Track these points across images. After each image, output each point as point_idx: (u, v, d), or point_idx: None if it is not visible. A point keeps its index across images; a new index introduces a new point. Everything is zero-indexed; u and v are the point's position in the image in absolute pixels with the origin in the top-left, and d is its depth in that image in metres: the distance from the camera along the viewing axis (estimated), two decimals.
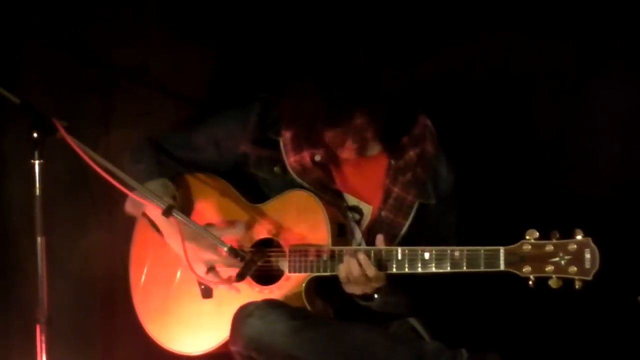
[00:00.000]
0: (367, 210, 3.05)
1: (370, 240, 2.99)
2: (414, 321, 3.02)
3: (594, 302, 3.34)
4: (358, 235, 3.02)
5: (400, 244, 2.94)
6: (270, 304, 2.85)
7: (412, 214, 3.02)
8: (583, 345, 3.40)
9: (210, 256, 2.95)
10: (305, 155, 3.02)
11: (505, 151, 3.50)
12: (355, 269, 2.82)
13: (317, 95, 2.88)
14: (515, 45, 3.47)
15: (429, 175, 3.03)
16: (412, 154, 3.03)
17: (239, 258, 2.75)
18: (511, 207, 3.45)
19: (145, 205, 2.98)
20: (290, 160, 3.03)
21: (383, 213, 3.02)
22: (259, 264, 2.82)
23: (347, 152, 3.01)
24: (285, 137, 3.04)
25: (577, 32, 3.42)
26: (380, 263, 2.85)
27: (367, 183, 3.06)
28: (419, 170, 3.02)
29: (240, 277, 2.77)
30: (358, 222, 3.04)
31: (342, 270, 2.85)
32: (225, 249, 2.74)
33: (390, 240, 2.95)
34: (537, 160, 3.51)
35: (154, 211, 2.98)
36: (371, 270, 2.81)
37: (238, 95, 3.36)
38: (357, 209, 3.05)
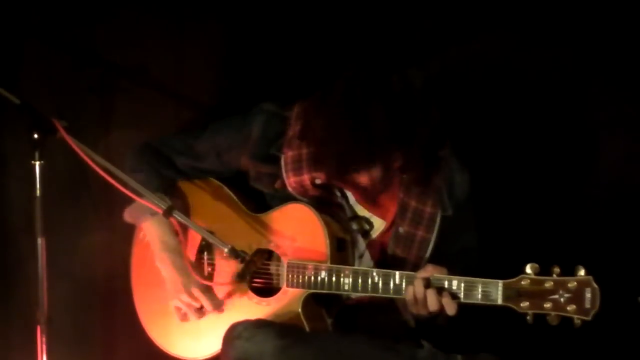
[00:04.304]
0: (379, 223, 3.02)
1: (393, 259, 2.96)
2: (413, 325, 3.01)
3: None
4: (362, 246, 3.00)
5: (430, 260, 2.91)
6: (257, 324, 2.83)
7: (436, 227, 2.96)
8: (583, 345, 3.40)
9: (189, 296, 2.97)
10: (306, 178, 2.95)
11: (509, 168, 3.49)
12: (420, 294, 2.74)
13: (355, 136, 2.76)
14: (518, 48, 3.47)
15: (444, 182, 2.96)
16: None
17: (239, 259, 2.75)
18: (519, 222, 3.44)
19: (143, 220, 3.00)
20: (290, 180, 2.96)
21: (401, 229, 2.96)
22: (259, 264, 2.82)
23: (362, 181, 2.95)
24: (287, 156, 2.96)
25: (578, 32, 3.43)
26: (375, 286, 2.82)
27: (380, 198, 3.00)
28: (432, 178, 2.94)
29: (240, 277, 2.77)
30: (367, 232, 3.01)
31: (409, 293, 2.78)
32: (226, 249, 2.74)
33: (419, 258, 2.93)
34: (536, 162, 3.51)
35: (150, 232, 3.01)
36: (451, 309, 2.73)
37: (239, 97, 3.36)
38: (367, 220, 3.01)
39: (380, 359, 2.78)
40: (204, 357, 3.03)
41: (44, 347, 2.60)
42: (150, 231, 3.02)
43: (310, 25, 3.50)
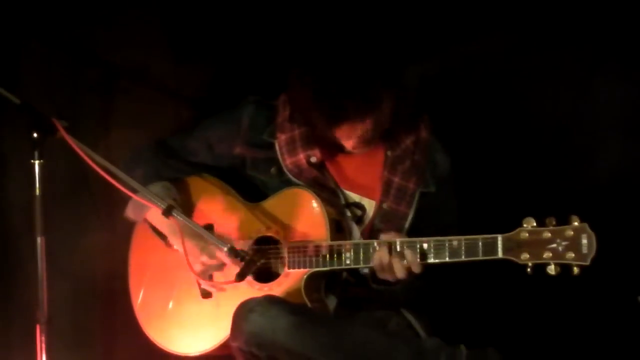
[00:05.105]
0: (370, 205, 3.06)
1: (375, 234, 2.99)
2: (411, 319, 3.03)
3: (594, 302, 3.35)
4: (356, 233, 3.04)
5: (408, 235, 2.94)
6: (271, 299, 2.85)
7: (415, 202, 3.03)
8: (583, 344, 3.40)
9: (210, 257, 2.96)
10: (301, 157, 3.04)
11: (502, 145, 3.51)
12: (385, 259, 2.81)
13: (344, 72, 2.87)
14: (516, 44, 3.47)
15: (426, 161, 3.06)
16: (408, 142, 3.06)
17: (239, 258, 2.75)
18: (508, 199, 3.45)
19: (147, 211, 3.01)
20: (287, 162, 3.06)
21: (385, 205, 3.03)
22: (259, 264, 2.83)
23: (353, 142, 2.99)
24: (281, 140, 3.06)
25: (577, 31, 3.43)
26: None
27: (366, 178, 3.08)
28: (417, 157, 3.05)
29: (240, 277, 2.77)
30: (361, 218, 3.05)
31: (376, 259, 2.84)
32: (225, 248, 2.74)
33: (398, 232, 2.94)
34: (537, 157, 3.51)
35: (156, 216, 2.99)
36: (416, 267, 2.79)
37: (238, 96, 3.36)
38: (359, 205, 3.06)
39: (389, 345, 2.80)
40: (205, 351, 3.03)
41: (44, 346, 2.60)
42: (157, 215, 3.01)
43: (310, 26, 3.50)
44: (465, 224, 3.05)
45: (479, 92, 3.53)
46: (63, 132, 2.59)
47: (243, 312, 2.83)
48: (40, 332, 2.60)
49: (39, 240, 2.59)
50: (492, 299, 3.40)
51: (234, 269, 2.85)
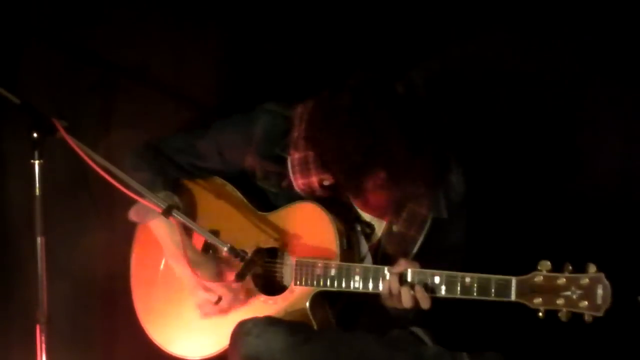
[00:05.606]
0: (380, 225, 3.02)
1: (382, 255, 2.97)
2: (415, 328, 3.00)
3: None
4: (364, 248, 3.00)
5: (415, 258, 2.92)
6: (267, 321, 2.84)
7: (426, 229, 2.97)
8: (583, 344, 3.40)
9: (214, 286, 2.97)
10: (314, 180, 2.95)
11: (510, 169, 3.50)
12: (395, 290, 2.78)
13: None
14: (517, 48, 3.47)
15: (440, 184, 2.95)
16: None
17: (238, 258, 2.75)
18: (519, 224, 3.45)
19: (150, 221, 3.01)
20: (298, 182, 2.96)
21: (395, 228, 2.98)
22: (259, 264, 2.82)
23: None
24: (294, 158, 2.96)
25: (577, 32, 3.43)
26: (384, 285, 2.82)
27: (378, 199, 2.99)
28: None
29: (240, 277, 2.76)
30: (368, 236, 3.01)
31: (385, 287, 2.81)
32: (225, 248, 2.74)
33: (406, 255, 2.93)
34: (539, 164, 3.51)
35: (159, 231, 3.01)
36: (425, 303, 2.77)
37: (239, 97, 3.36)
38: (368, 224, 3.02)
39: (388, 356, 2.78)
40: (205, 357, 3.02)
41: (44, 346, 2.61)
42: (160, 230, 3.02)
43: (309, 25, 3.51)
44: (475, 256, 3.06)
45: (482, 98, 3.52)
46: (63, 132, 2.60)
47: (239, 335, 2.82)
48: (40, 332, 2.61)
49: (39, 240, 2.60)
50: (492, 303, 3.40)
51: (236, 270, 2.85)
